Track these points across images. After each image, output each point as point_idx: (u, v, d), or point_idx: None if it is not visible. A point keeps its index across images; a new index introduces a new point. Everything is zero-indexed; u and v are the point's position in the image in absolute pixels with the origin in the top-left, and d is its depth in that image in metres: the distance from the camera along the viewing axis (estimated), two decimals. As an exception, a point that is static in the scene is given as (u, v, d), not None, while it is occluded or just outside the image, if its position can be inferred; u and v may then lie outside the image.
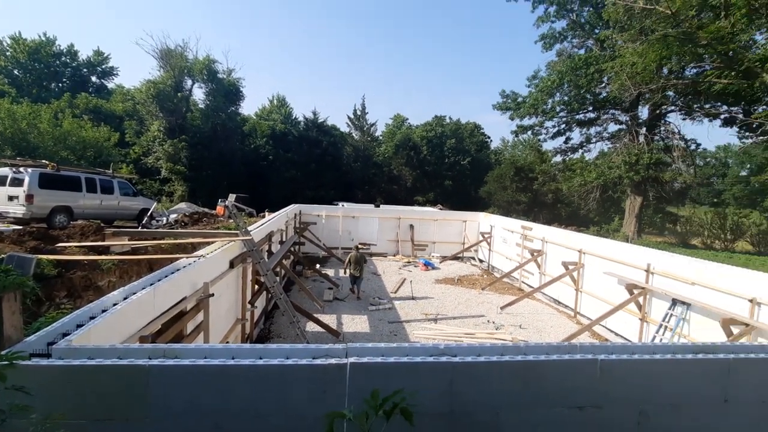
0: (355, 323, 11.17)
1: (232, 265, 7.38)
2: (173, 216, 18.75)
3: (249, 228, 9.02)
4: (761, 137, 26.08)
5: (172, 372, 2.55)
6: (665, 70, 27.31)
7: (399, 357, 2.76)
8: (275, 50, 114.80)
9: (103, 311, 3.53)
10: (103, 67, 49.42)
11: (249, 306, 8.52)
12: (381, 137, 54.09)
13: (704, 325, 8.21)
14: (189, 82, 39.67)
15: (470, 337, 10.43)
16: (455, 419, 2.73)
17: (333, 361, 2.65)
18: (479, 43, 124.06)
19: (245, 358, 2.71)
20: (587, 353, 2.90)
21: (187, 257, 6.05)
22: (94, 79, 49.35)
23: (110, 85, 50.20)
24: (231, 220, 12.03)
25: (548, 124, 38.30)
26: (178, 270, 5.20)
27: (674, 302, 8.93)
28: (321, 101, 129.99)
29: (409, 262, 19.39)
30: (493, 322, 11.58)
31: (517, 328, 11.28)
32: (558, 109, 36.51)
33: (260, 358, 2.72)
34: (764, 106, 25.05)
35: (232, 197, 29.11)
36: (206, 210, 25.41)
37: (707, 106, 30.55)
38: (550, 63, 38.12)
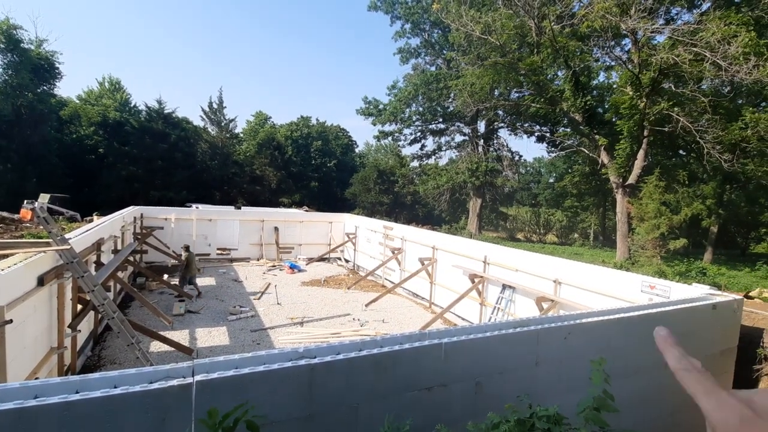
0: (212, 336, 10.20)
1: (41, 281, 5.95)
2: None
3: (68, 235, 7.42)
4: (561, 152, 33.17)
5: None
6: (496, 92, 32.38)
7: (255, 367, 2.59)
8: (112, 30, 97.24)
9: None
10: None
11: (69, 331, 6.99)
12: (242, 135, 50.72)
13: (525, 303, 9.99)
14: (-21, 49, 30.93)
15: (336, 337, 10.56)
16: (315, 421, 2.70)
17: (175, 382, 2.33)
18: (346, 48, 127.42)
19: (54, 396, 2.18)
20: (434, 339, 3.20)
21: (-31, 275, 4.69)
22: None
23: None
24: (42, 227, 9.74)
25: (406, 131, 41.67)
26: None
27: (504, 287, 10.63)
28: (169, 93, 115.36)
29: (274, 266, 18.65)
30: (359, 320, 11.96)
31: (380, 322, 11.87)
32: (414, 118, 40.03)
33: (76, 393, 2.23)
34: (563, 128, 31.96)
35: (44, 198, 23.62)
36: (5, 214, 19.98)
37: (526, 125, 37.56)
38: (406, 75, 41.50)
